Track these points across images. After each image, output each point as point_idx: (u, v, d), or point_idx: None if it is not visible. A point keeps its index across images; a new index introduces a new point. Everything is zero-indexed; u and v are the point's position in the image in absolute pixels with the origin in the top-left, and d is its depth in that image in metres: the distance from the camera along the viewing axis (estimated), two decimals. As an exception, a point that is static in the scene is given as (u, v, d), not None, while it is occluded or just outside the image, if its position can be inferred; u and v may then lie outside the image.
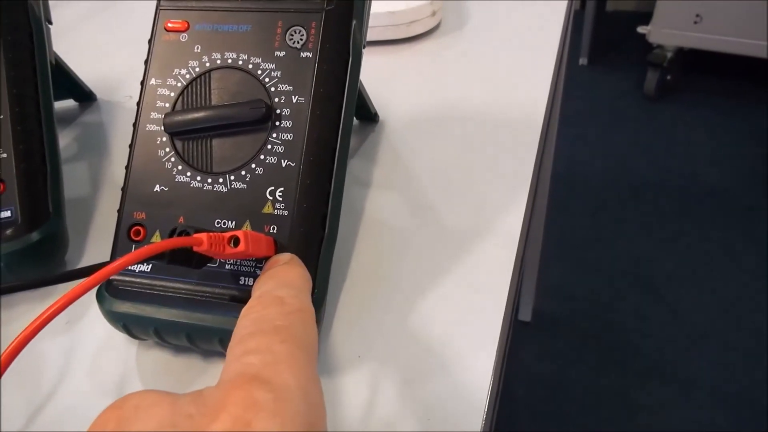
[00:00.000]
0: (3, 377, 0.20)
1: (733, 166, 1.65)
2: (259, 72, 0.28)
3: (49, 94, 0.36)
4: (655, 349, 1.22)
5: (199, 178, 0.28)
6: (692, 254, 1.42)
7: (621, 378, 1.18)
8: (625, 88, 1.99)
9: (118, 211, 0.28)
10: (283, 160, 0.27)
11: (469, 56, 0.51)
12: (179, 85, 0.29)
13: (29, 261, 0.32)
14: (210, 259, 0.26)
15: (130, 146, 0.29)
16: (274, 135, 0.27)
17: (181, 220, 0.27)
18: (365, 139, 0.42)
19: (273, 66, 0.28)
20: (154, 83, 0.30)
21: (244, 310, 0.22)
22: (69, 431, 0.26)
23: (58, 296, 0.19)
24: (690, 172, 1.65)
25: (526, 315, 1.27)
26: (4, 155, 0.32)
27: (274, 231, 0.26)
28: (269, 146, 0.27)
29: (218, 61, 0.29)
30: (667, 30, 1.82)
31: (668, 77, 1.90)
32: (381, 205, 0.36)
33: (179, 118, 0.28)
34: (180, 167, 0.28)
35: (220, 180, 0.28)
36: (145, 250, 0.22)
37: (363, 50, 0.31)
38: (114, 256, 0.28)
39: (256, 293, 0.23)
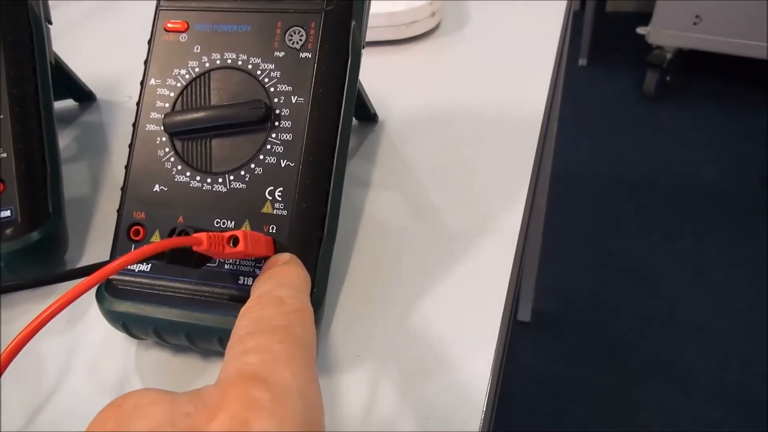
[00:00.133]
0: (3, 376, 0.20)
1: (732, 166, 1.66)
2: (259, 72, 0.28)
3: (49, 94, 0.36)
4: (654, 349, 1.22)
5: (198, 178, 0.28)
6: (691, 254, 1.42)
7: (620, 377, 1.18)
8: (624, 89, 1.99)
9: (118, 210, 0.28)
10: (282, 160, 0.27)
11: (469, 56, 0.51)
12: (179, 85, 0.29)
13: (29, 261, 0.32)
14: (209, 259, 0.26)
15: (130, 146, 0.29)
16: (274, 135, 0.27)
17: (181, 219, 0.27)
18: (365, 139, 0.42)
19: (272, 66, 0.28)
20: (154, 83, 0.30)
21: (243, 309, 0.22)
22: (68, 430, 0.27)
23: (58, 296, 0.19)
24: (689, 172, 1.65)
25: (525, 315, 1.27)
26: (4, 155, 0.32)
27: (274, 231, 0.26)
28: (268, 146, 0.27)
29: (218, 62, 0.29)
30: (667, 31, 1.82)
31: (668, 78, 1.90)
32: (380, 205, 0.36)
33: (179, 118, 0.28)
34: (179, 167, 0.28)
35: (220, 180, 0.28)
36: (144, 249, 0.22)
37: (362, 50, 0.31)
38: (113, 255, 0.28)
39: (255, 293, 0.23)
